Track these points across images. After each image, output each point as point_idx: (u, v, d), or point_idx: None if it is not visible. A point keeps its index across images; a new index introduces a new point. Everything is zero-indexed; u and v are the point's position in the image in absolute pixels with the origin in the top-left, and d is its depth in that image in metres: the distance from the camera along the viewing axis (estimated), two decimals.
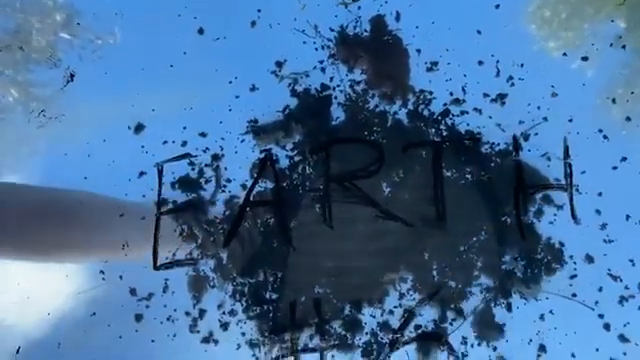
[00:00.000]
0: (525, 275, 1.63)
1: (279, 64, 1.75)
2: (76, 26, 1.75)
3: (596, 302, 1.60)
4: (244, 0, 1.78)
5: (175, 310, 1.64)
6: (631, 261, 1.62)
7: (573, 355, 1.57)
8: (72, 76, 1.78)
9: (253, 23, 1.77)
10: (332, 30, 1.76)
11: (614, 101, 1.71)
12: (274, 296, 1.64)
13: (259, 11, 1.77)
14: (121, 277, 1.66)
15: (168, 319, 1.63)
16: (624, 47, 1.72)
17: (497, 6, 1.76)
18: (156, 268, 1.65)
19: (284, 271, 1.65)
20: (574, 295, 1.60)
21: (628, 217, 1.64)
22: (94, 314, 1.65)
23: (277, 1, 1.78)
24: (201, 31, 1.78)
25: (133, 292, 1.65)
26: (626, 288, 1.61)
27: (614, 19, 1.72)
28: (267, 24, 1.77)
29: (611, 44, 1.72)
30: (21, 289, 1.68)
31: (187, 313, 1.64)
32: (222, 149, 1.72)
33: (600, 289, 1.61)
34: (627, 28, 1.72)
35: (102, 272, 1.67)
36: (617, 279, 1.61)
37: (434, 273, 1.63)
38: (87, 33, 1.77)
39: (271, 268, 1.65)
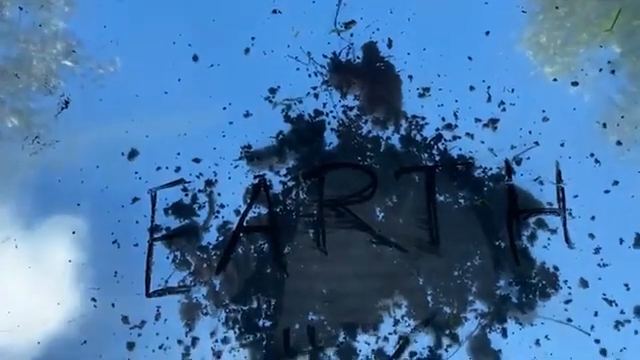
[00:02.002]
0: (520, 300, 1.62)
1: (273, 90, 1.76)
2: (77, 54, 1.77)
3: (592, 327, 1.59)
4: (238, 27, 1.81)
5: (167, 338, 1.62)
6: (626, 285, 1.61)
7: None
8: (67, 103, 1.79)
9: (247, 50, 1.79)
10: (325, 57, 1.78)
11: (605, 125, 1.72)
12: (267, 323, 1.62)
13: (253, 38, 1.79)
14: (113, 304, 1.64)
15: (160, 347, 1.61)
16: (613, 72, 1.75)
17: (487, 33, 1.79)
18: (148, 295, 1.64)
19: (278, 297, 1.63)
20: (569, 320, 1.60)
21: (622, 241, 1.64)
22: (85, 342, 1.63)
23: (271, 28, 1.80)
24: (195, 58, 1.80)
25: (125, 320, 1.64)
26: (622, 313, 1.60)
27: (608, 45, 1.75)
28: (261, 51, 1.79)
29: (600, 69, 1.75)
30: (12, 317, 1.66)
31: (179, 341, 1.62)
32: (216, 175, 1.73)
33: (596, 314, 1.60)
34: (622, 53, 1.74)
35: (94, 299, 1.65)
36: (612, 303, 1.60)
37: (429, 298, 1.63)
38: (88, 62, 1.78)
39: (264, 294, 1.64)
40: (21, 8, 1.82)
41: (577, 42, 1.77)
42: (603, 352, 1.58)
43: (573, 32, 1.77)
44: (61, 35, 1.80)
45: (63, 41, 1.80)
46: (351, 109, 1.76)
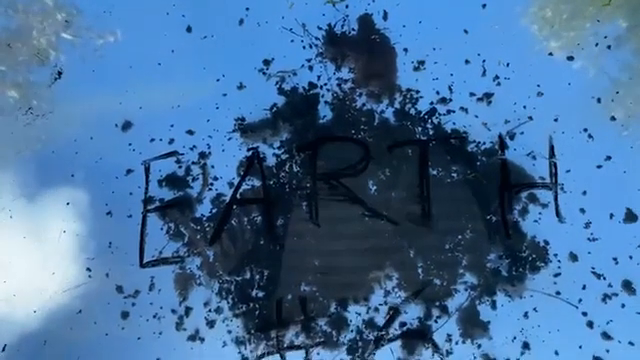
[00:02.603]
0: (510, 273, 1.64)
1: (267, 62, 1.75)
2: (77, 26, 1.75)
3: (580, 300, 1.61)
4: None
5: (161, 308, 1.64)
6: (615, 259, 1.63)
7: (556, 353, 1.58)
8: (60, 74, 1.77)
9: (241, 21, 1.77)
10: (320, 29, 1.76)
11: (599, 101, 1.72)
12: (260, 294, 1.64)
13: (247, 9, 1.77)
14: (107, 275, 1.66)
15: (154, 317, 1.64)
16: (609, 47, 1.73)
17: (484, 6, 1.76)
18: (142, 266, 1.66)
19: (271, 269, 1.65)
20: (558, 293, 1.62)
21: (612, 216, 1.65)
22: (80, 311, 1.65)
23: (265, 0, 1.78)
24: (189, 29, 1.78)
25: (119, 289, 1.65)
26: (609, 286, 1.62)
27: (614, 20, 1.73)
28: (255, 22, 1.77)
29: (597, 44, 1.74)
30: (7, 287, 1.68)
31: (173, 311, 1.64)
32: (209, 147, 1.73)
33: (584, 287, 1.62)
34: (628, 28, 1.72)
35: (89, 269, 1.67)
36: (601, 277, 1.62)
37: (419, 271, 1.64)
38: (88, 32, 1.77)
39: (258, 266, 1.65)
40: None
41: (583, 16, 1.74)
42: (590, 324, 1.60)
43: (579, 6, 1.75)
44: (60, 6, 1.78)
45: (63, 11, 1.77)
46: (346, 82, 1.75)
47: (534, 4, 1.76)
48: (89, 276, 1.66)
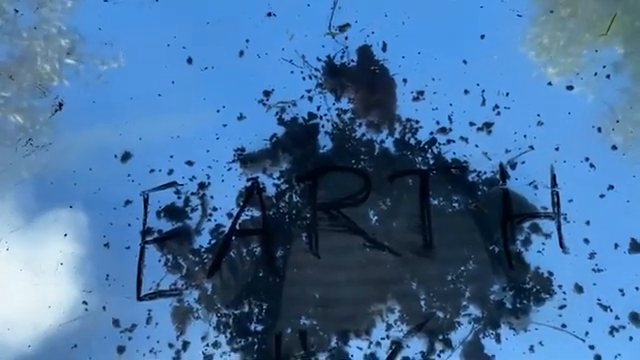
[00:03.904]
0: (514, 305, 1.60)
1: (267, 93, 1.76)
2: (80, 52, 1.77)
3: (586, 333, 1.58)
4: (233, 30, 1.81)
5: (158, 342, 1.61)
6: (621, 290, 1.60)
7: None
8: (60, 105, 1.78)
9: (241, 53, 1.79)
10: (319, 60, 1.78)
11: (600, 130, 1.71)
12: (259, 328, 1.61)
13: (247, 41, 1.79)
14: (104, 308, 1.63)
15: (151, 351, 1.60)
16: (608, 77, 1.74)
17: (482, 36, 1.78)
18: (140, 299, 1.63)
19: (270, 302, 1.62)
20: (564, 326, 1.58)
21: (617, 246, 1.63)
22: (75, 346, 1.61)
23: (265, 31, 1.80)
24: (190, 60, 1.79)
25: (116, 323, 1.62)
26: (616, 318, 1.58)
27: (611, 46, 1.75)
28: (255, 54, 1.78)
29: (595, 73, 1.74)
30: (2, 320, 1.65)
31: (170, 345, 1.61)
32: (209, 177, 1.72)
33: (590, 319, 1.59)
34: (625, 55, 1.74)
35: (85, 302, 1.64)
36: (607, 309, 1.59)
37: (422, 303, 1.61)
38: (91, 59, 1.78)
39: (257, 299, 1.63)
40: (16, 11, 1.82)
41: (580, 43, 1.76)
42: (598, 358, 1.56)
43: (576, 33, 1.77)
44: (63, 32, 1.80)
45: (66, 38, 1.79)
46: (345, 112, 1.75)
47: (531, 31, 1.78)
48: (86, 309, 1.64)
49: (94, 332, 1.62)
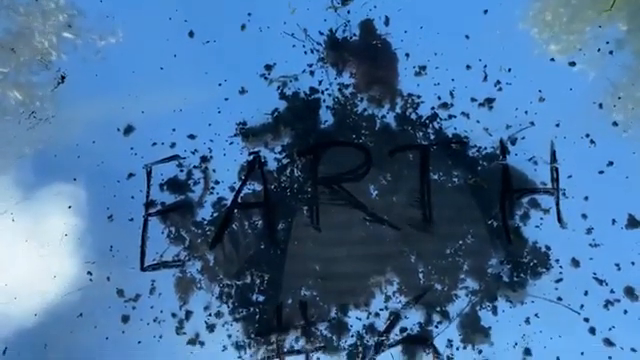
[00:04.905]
0: (511, 279, 1.63)
1: (268, 67, 1.76)
2: (79, 27, 1.76)
3: (582, 306, 1.60)
4: (234, 3, 1.79)
5: (162, 311, 1.64)
6: (617, 265, 1.62)
7: (558, 359, 1.57)
8: (63, 78, 1.78)
9: (243, 26, 1.78)
10: (321, 34, 1.77)
11: (601, 106, 1.71)
12: (261, 298, 1.64)
13: (249, 15, 1.78)
14: (108, 278, 1.66)
15: (155, 320, 1.64)
16: (611, 53, 1.73)
17: (485, 11, 1.77)
18: (143, 269, 1.66)
19: (271, 273, 1.65)
20: (560, 299, 1.61)
21: (614, 221, 1.65)
22: (81, 315, 1.65)
23: (267, 5, 1.79)
24: (191, 34, 1.79)
25: (120, 293, 1.65)
26: (612, 292, 1.61)
27: (614, 23, 1.73)
28: (257, 27, 1.78)
29: (599, 49, 1.73)
30: (8, 290, 1.68)
31: (173, 315, 1.64)
32: (211, 151, 1.73)
33: (586, 293, 1.61)
34: (628, 31, 1.72)
35: (90, 273, 1.67)
36: (603, 283, 1.61)
37: (420, 276, 1.64)
38: (90, 34, 1.78)
39: (258, 270, 1.65)
40: None
41: (583, 19, 1.74)
42: (592, 330, 1.59)
43: (579, 9, 1.75)
44: (62, 7, 1.79)
45: (64, 12, 1.78)
46: (347, 87, 1.75)
47: (534, 7, 1.76)
48: (90, 279, 1.66)
49: (99, 302, 1.65)
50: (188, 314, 1.64)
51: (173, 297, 1.65)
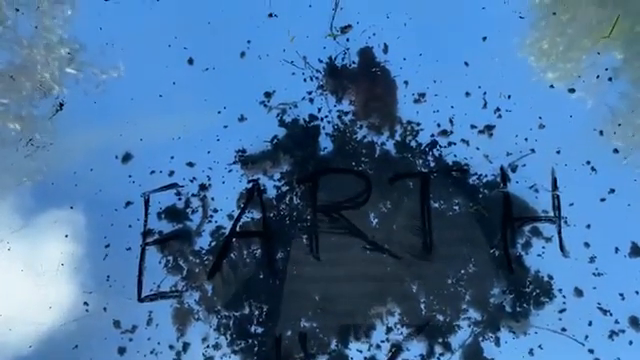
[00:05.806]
0: (514, 309, 1.61)
1: (268, 94, 1.75)
2: (80, 61, 1.76)
3: (586, 337, 1.58)
4: (234, 31, 1.80)
5: (159, 343, 1.61)
6: (621, 295, 1.60)
7: None
8: (61, 105, 1.78)
9: (242, 54, 1.78)
10: (321, 61, 1.77)
11: (602, 133, 1.71)
12: (259, 330, 1.62)
13: (249, 42, 1.79)
14: (105, 309, 1.64)
15: (152, 352, 1.61)
16: (610, 80, 1.73)
17: (484, 38, 1.77)
18: (140, 300, 1.63)
19: (270, 304, 1.63)
20: (564, 329, 1.58)
21: (617, 250, 1.63)
22: (76, 346, 1.62)
23: (266, 32, 1.80)
24: (191, 61, 1.79)
25: (117, 324, 1.63)
26: (616, 322, 1.58)
27: (610, 51, 1.74)
28: (256, 55, 1.78)
29: (597, 76, 1.74)
30: (3, 320, 1.66)
31: (171, 346, 1.61)
32: (209, 179, 1.72)
33: (590, 323, 1.59)
34: (624, 60, 1.73)
35: (86, 303, 1.65)
36: (607, 313, 1.59)
37: (422, 306, 1.62)
38: (91, 68, 1.78)
39: (257, 301, 1.63)
40: (17, 9, 1.82)
41: (579, 48, 1.75)
42: None
43: (575, 38, 1.76)
44: (64, 40, 1.80)
45: (66, 46, 1.79)
46: (346, 114, 1.75)
47: (531, 35, 1.77)
48: (86, 310, 1.64)
49: (95, 333, 1.62)
50: (186, 346, 1.61)
51: (170, 328, 1.62)
